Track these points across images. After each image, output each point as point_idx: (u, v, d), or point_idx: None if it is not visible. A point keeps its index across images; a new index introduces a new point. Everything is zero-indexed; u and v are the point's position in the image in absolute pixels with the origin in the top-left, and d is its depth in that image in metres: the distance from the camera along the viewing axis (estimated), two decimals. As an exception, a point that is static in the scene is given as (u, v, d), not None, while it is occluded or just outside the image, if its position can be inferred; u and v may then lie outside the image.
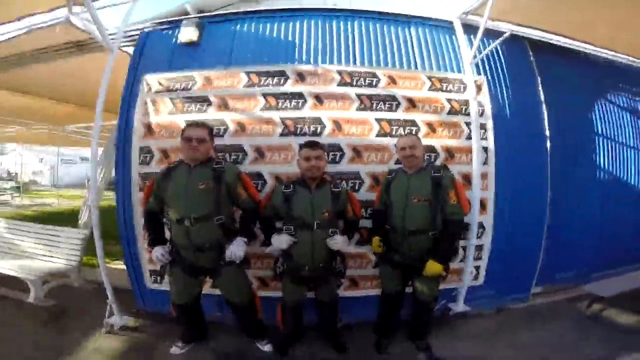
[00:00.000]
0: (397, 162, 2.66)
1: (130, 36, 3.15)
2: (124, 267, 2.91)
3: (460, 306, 2.78)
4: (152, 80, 2.84)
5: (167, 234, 2.20)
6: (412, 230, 2.10)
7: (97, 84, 4.43)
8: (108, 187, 4.10)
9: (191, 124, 2.19)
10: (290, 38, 3.00)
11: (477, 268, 2.87)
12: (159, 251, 2.09)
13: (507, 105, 3.04)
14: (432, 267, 2.06)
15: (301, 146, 2.21)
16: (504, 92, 3.07)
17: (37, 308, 2.83)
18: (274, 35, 3.02)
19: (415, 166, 2.22)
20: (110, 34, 2.78)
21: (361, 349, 2.37)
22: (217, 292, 2.31)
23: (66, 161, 15.56)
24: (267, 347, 2.33)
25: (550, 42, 3.30)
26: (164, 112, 2.76)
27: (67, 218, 6.54)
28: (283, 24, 3.05)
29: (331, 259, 2.17)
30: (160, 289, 2.74)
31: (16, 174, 19.16)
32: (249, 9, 3.24)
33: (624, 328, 2.59)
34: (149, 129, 2.74)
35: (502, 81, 3.10)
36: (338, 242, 2.09)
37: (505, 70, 3.14)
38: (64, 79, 4.35)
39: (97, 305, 2.84)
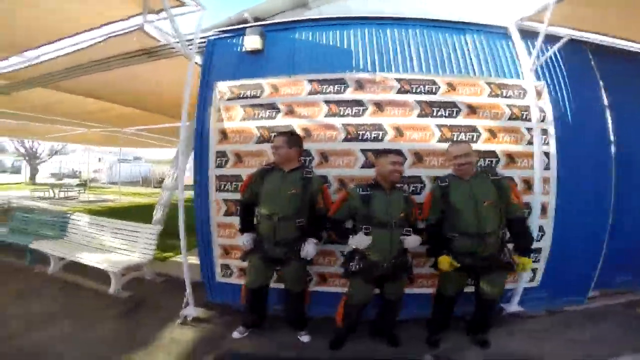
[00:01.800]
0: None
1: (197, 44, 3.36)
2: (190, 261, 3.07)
3: (513, 306, 2.84)
4: (224, 87, 3.10)
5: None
6: (489, 232, 2.19)
7: (155, 88, 4.82)
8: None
9: (280, 134, 2.52)
10: (346, 46, 3.14)
11: (534, 270, 2.90)
12: (245, 238, 2.46)
13: (568, 110, 3.01)
14: (524, 261, 2.19)
15: (385, 152, 2.39)
16: (565, 96, 3.04)
17: (116, 299, 3.17)
18: (331, 43, 3.17)
19: (469, 173, 2.30)
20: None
21: (410, 344, 2.49)
22: (280, 286, 2.58)
23: (122, 160, 16.98)
24: (305, 338, 2.53)
25: (611, 45, 3.21)
26: (236, 118, 3.02)
27: (130, 213, 7.22)
28: (338, 32, 3.19)
29: (404, 256, 2.33)
30: (229, 282, 3.01)
31: (80, 172, 21.18)
32: (305, 17, 3.40)
33: None
34: (224, 134, 3.02)
35: (563, 86, 3.07)
36: (412, 239, 2.25)
37: (565, 74, 3.10)
38: (129, 84, 4.69)
39: (168, 297, 3.17)
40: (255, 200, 2.48)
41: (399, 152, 2.41)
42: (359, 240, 2.22)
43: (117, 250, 3.73)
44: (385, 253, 2.24)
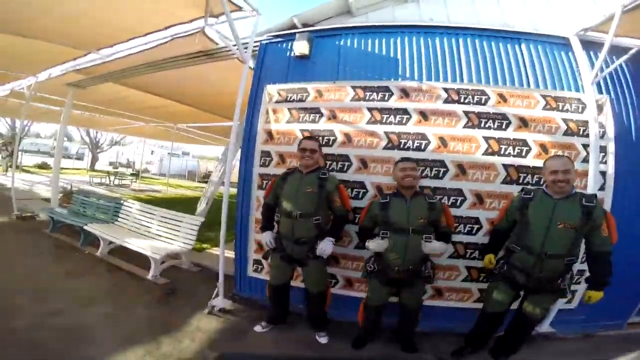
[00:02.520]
0: (504, 181, 2.68)
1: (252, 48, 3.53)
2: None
3: (544, 327, 2.72)
4: (273, 90, 3.26)
5: (275, 227, 2.67)
6: (551, 254, 2.08)
7: (210, 88, 5.14)
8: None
9: (306, 137, 2.67)
10: (392, 54, 3.15)
11: (574, 292, 2.71)
12: (269, 236, 2.60)
13: (633, 127, 2.79)
14: (594, 295, 2.08)
15: (397, 162, 2.51)
16: (630, 113, 2.82)
17: (153, 284, 3.36)
18: (376, 51, 3.20)
19: (565, 192, 2.11)
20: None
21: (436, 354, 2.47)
22: (303, 285, 2.64)
23: (172, 154, 18.24)
24: (323, 340, 2.60)
25: None
26: (282, 121, 3.16)
27: (175, 204, 7.64)
28: (384, 40, 3.21)
29: (421, 263, 2.32)
30: (259, 278, 3.13)
31: (134, 162, 23.08)
32: (352, 24, 3.45)
33: None
34: (269, 135, 3.17)
35: (628, 101, 2.85)
36: (432, 245, 2.25)
37: (632, 89, 2.88)
38: (186, 83, 5.09)
39: (201, 287, 3.34)
40: (277, 202, 2.63)
41: (408, 159, 2.46)
42: (375, 244, 2.31)
43: (160, 238, 3.94)
44: (400, 257, 2.27)
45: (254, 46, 3.48)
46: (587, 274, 2.18)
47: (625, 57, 2.73)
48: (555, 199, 2.12)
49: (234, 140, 3.14)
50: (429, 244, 2.24)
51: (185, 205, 5.89)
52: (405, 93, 2.96)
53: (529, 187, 2.43)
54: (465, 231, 2.60)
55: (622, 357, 2.07)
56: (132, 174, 15.08)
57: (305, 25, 3.63)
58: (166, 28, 3.40)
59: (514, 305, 2.32)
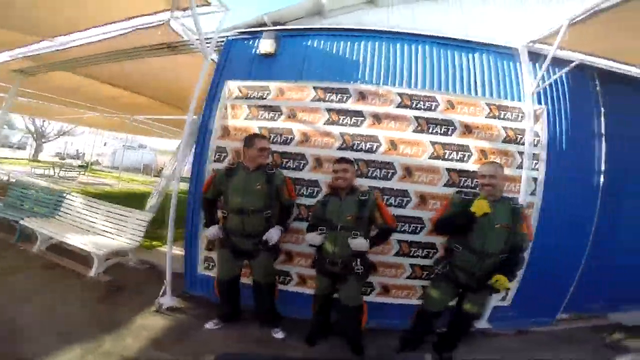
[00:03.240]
0: (447, 184, 2.85)
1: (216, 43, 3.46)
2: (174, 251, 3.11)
3: (482, 323, 2.89)
4: (234, 86, 3.21)
5: (220, 221, 2.66)
6: (490, 253, 2.24)
7: (172, 80, 4.97)
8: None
9: (259, 136, 2.68)
10: (355, 57, 3.22)
11: (507, 290, 2.87)
12: (215, 228, 2.59)
13: (564, 137, 3.05)
14: (504, 281, 2.21)
15: (335, 162, 2.58)
16: (563, 122, 3.08)
17: (96, 282, 3.20)
18: (340, 53, 3.26)
19: (494, 195, 2.31)
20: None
21: (381, 352, 2.54)
22: (252, 280, 2.65)
23: (127, 147, 17.17)
24: (279, 335, 2.63)
25: (620, 72, 3.24)
26: (241, 117, 3.12)
27: (125, 199, 7.19)
28: (349, 43, 3.28)
29: (352, 259, 2.40)
30: (210, 275, 3.06)
31: (83, 154, 21.40)
32: (319, 26, 3.50)
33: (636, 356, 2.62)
34: (226, 130, 3.12)
35: (563, 111, 3.11)
36: (357, 242, 2.33)
37: (567, 100, 3.13)
38: (147, 74, 4.85)
39: (148, 285, 3.21)
40: (217, 196, 2.66)
41: (342, 160, 2.52)
42: (311, 238, 2.48)
43: (105, 234, 3.76)
44: (331, 251, 2.42)
45: (220, 41, 3.45)
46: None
47: (565, 69, 2.95)
48: (491, 202, 2.29)
49: (188, 134, 3.05)
50: (354, 240, 2.34)
51: (137, 200, 5.58)
52: (362, 96, 3.04)
53: (466, 189, 2.59)
54: (410, 230, 2.74)
55: (622, 357, 2.31)
56: (80, 166, 13.99)
57: (275, 23, 3.62)
58: (129, 19, 3.25)
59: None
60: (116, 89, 5.96)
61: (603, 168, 3.08)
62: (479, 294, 2.34)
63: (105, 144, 24.01)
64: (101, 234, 3.77)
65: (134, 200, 6.67)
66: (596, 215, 3.03)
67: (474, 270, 2.27)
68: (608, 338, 2.88)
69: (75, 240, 3.47)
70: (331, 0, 3.67)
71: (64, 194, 4.44)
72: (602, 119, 3.13)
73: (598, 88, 3.20)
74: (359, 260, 2.42)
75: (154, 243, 4.53)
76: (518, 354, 2.68)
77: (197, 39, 2.95)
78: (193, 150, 3.32)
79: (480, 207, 2.22)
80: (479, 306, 2.37)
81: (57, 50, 3.94)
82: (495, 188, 2.30)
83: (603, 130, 3.12)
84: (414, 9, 3.83)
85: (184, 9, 3.01)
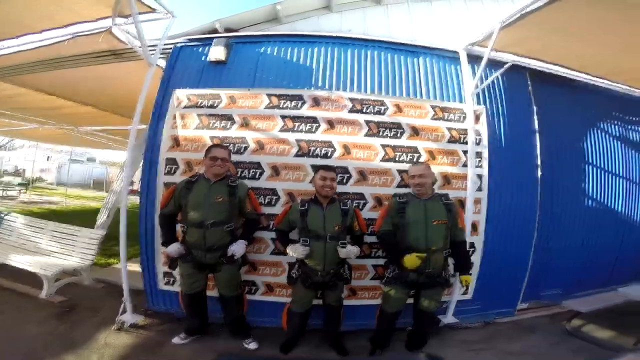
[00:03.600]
0: (399, 185, 2.96)
1: (163, 49, 3.32)
2: (132, 268, 3.04)
3: (448, 318, 3.04)
4: (182, 95, 3.11)
5: (180, 236, 2.57)
6: (434, 249, 2.36)
7: (118, 89, 4.72)
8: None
9: (216, 145, 2.62)
10: (308, 63, 3.26)
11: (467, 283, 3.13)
12: (175, 246, 2.46)
13: (502, 135, 3.28)
14: (467, 278, 2.40)
15: (318, 168, 2.57)
16: (501, 121, 3.31)
17: (48, 303, 3.05)
18: (294, 59, 3.28)
19: (425, 194, 2.46)
20: (149, 47, 2.96)
21: (358, 353, 2.60)
22: (218, 293, 2.60)
23: (74, 161, 15.91)
24: (252, 345, 2.59)
25: (549, 71, 3.53)
26: (191, 127, 3.03)
27: (74, 217, 6.81)
28: (302, 49, 3.31)
29: (340, 266, 2.47)
30: (171, 290, 2.97)
31: (24, 170, 19.57)
32: (272, 32, 3.49)
33: (598, 341, 2.83)
34: (176, 141, 3.01)
35: (500, 111, 3.33)
36: (346, 250, 2.38)
37: (504, 99, 3.37)
38: (90, 82, 4.57)
39: (106, 303, 3.10)
40: (177, 211, 2.54)
41: (330, 168, 2.54)
42: (295, 250, 2.39)
43: (53, 254, 3.60)
44: (321, 262, 2.39)
45: (167, 48, 3.33)
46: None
47: (501, 70, 3.16)
48: (423, 200, 2.44)
49: (136, 146, 2.92)
50: (343, 249, 2.37)
51: (87, 217, 5.27)
52: (316, 102, 3.08)
53: (400, 192, 2.69)
54: (369, 232, 2.80)
55: (621, 357, 2.46)
56: (20, 184, 12.84)
57: (228, 30, 3.55)
58: (66, 26, 3.05)
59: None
60: (55, 99, 5.52)
61: (539, 162, 3.33)
62: (432, 289, 2.46)
63: (48, 158, 22.24)
64: (49, 254, 3.59)
65: (85, 217, 6.30)
66: (538, 205, 3.28)
67: (422, 268, 2.37)
68: (568, 325, 3.07)
69: (19, 261, 3.29)
70: (286, 6, 3.67)
71: (2, 215, 4.12)
72: (535, 117, 3.40)
73: (530, 88, 3.47)
74: (346, 266, 2.50)
75: (110, 260, 4.33)
76: (483, 344, 2.80)
77: (139, 47, 2.83)
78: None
79: (411, 262, 2.31)
80: (435, 301, 2.49)
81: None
82: (425, 186, 2.44)
83: (537, 127, 3.38)
84: (366, 14, 3.92)
85: (127, 16, 2.90)
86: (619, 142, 3.99)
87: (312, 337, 2.69)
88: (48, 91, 5.17)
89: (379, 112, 3.08)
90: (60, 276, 3.32)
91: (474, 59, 3.28)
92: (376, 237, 2.61)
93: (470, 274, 2.49)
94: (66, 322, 2.76)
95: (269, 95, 3.07)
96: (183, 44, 3.38)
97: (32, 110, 6.71)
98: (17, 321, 2.72)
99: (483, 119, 3.22)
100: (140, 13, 2.74)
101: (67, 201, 10.74)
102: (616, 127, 4.02)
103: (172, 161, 2.99)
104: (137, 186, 3.42)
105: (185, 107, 3.08)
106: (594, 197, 3.77)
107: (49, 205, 9.78)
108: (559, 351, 2.70)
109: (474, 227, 3.05)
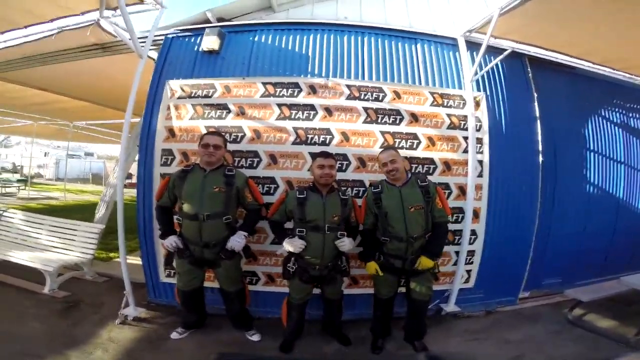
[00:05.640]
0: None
1: (154, 41, 3.26)
2: (134, 261, 3.07)
3: (451, 306, 3.02)
4: (175, 85, 3.05)
5: (177, 230, 2.49)
6: (415, 236, 2.29)
7: (112, 83, 4.67)
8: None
9: (209, 132, 2.53)
10: (304, 51, 3.20)
11: (469, 272, 3.11)
12: (172, 239, 2.36)
13: (503, 121, 3.24)
14: (426, 262, 2.29)
15: (316, 155, 2.42)
16: (502, 107, 3.27)
17: (51, 299, 3.03)
18: (289, 47, 3.21)
19: (399, 179, 2.37)
20: (139, 39, 2.90)
21: (359, 343, 2.57)
22: (219, 286, 2.56)
23: (71, 156, 15.84)
24: (255, 337, 2.55)
25: (549, 58, 3.49)
26: (185, 117, 2.98)
27: (73, 212, 6.77)
28: (298, 37, 3.24)
29: (338, 258, 2.38)
30: (172, 282, 2.90)
31: (21, 166, 19.45)
32: (266, 20, 3.42)
33: (599, 331, 2.81)
34: (171, 132, 2.96)
35: (500, 97, 3.29)
36: (346, 243, 2.29)
37: (504, 86, 3.32)
38: (82, 77, 4.53)
39: (109, 297, 3.08)
40: (173, 203, 2.45)
41: (328, 155, 2.39)
42: (291, 243, 2.27)
43: (53, 249, 3.57)
44: (319, 255, 2.28)
45: (158, 40, 3.27)
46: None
47: (500, 57, 3.11)
48: (398, 187, 2.37)
49: (130, 138, 2.86)
50: (343, 242, 2.28)
51: (88, 212, 5.24)
52: (312, 89, 3.02)
53: (375, 180, 2.63)
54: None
55: (620, 357, 2.42)
56: (19, 180, 12.75)
57: (220, 20, 3.47)
58: (52, 20, 2.98)
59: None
60: (48, 94, 5.47)
61: (540, 148, 3.30)
62: (420, 276, 2.37)
63: (46, 154, 22.15)
64: (49, 250, 3.58)
65: (85, 212, 6.31)
66: (539, 191, 3.25)
67: (406, 256, 2.33)
68: (569, 314, 3.05)
69: (19, 257, 3.27)
70: (280, -7, 3.59)
71: (0, 211, 4.10)
72: (536, 103, 3.36)
73: (530, 75, 3.43)
74: (344, 258, 2.40)
75: (111, 255, 4.32)
76: (485, 333, 2.77)
77: (129, 39, 2.77)
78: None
79: (370, 269, 2.36)
80: (425, 288, 2.40)
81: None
82: (398, 172, 2.35)
83: (537, 114, 3.34)
84: (362, 1, 3.85)
85: (114, 8, 2.85)
86: (620, 129, 3.95)
87: (312, 327, 2.65)
88: (39, 86, 5.12)
89: (377, 99, 3.03)
90: (62, 271, 3.31)
91: (472, 46, 3.24)
92: (362, 238, 2.54)
93: (435, 260, 2.33)
94: (69, 317, 2.75)
95: (264, 84, 3.02)
96: (174, 35, 3.31)
97: (24, 107, 6.66)
98: (21, 317, 2.70)
99: (483, 105, 3.18)
100: (128, 5, 2.69)
101: (66, 196, 10.72)
102: (617, 113, 3.98)
103: (168, 152, 2.94)
104: (135, 179, 3.37)
105: (179, 97, 3.03)
106: (595, 182, 3.74)
107: (49, 201, 9.70)
108: (560, 340, 2.67)
109: (476, 214, 3.02)
